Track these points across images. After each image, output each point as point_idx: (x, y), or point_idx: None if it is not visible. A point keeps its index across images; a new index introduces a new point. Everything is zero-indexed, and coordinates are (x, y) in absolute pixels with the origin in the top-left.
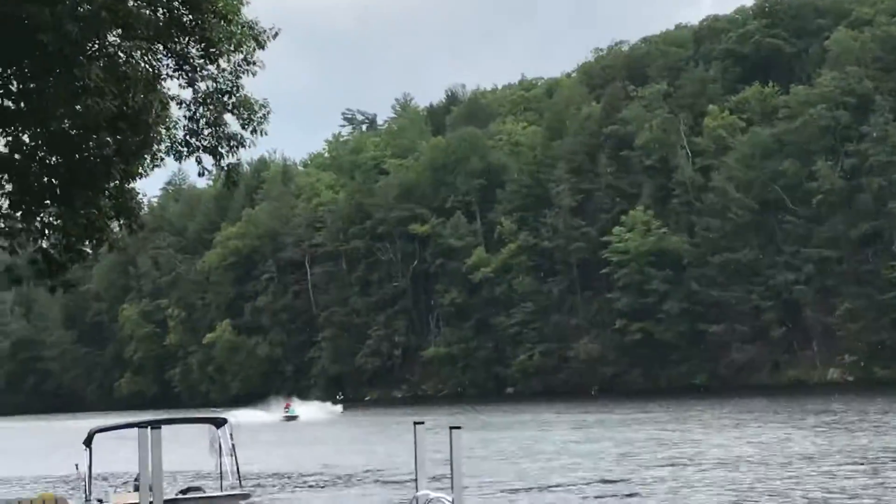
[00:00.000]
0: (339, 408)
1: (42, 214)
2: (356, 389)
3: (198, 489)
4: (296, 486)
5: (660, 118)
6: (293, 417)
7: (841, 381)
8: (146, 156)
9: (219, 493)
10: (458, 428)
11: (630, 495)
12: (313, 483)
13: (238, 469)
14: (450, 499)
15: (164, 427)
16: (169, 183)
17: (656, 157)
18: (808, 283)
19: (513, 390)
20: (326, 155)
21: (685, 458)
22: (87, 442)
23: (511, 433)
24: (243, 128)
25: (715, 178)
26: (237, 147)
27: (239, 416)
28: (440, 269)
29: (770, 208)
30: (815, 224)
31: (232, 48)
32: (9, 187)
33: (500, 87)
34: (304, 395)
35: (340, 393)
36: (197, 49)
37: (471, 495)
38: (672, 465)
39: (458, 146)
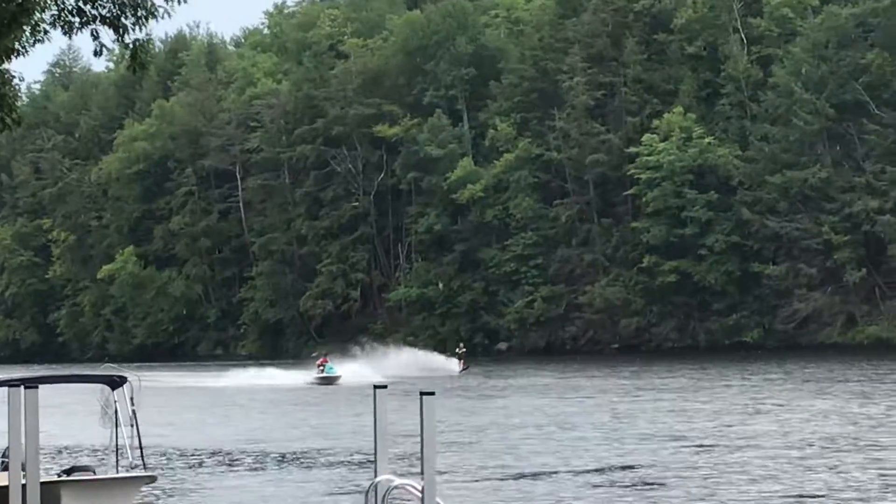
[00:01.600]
0: (454, 363)
1: None
2: (299, 341)
3: (86, 469)
4: (220, 467)
5: None
6: (331, 379)
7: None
8: (24, 27)
9: (112, 475)
10: (432, 394)
11: (645, 484)
12: (245, 463)
13: (140, 443)
14: (419, 486)
15: (42, 387)
16: (55, 65)
17: (700, 44)
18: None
19: (507, 346)
20: (266, 31)
21: (720, 435)
22: None
23: (502, 402)
24: None
25: (777, 72)
26: (146, 18)
27: (255, 377)
28: (414, 186)
29: (848, 113)
30: None
31: None
32: None
33: None
34: (231, 348)
35: (462, 343)
36: None
37: (446, 482)
38: (701, 445)
39: (440, 23)
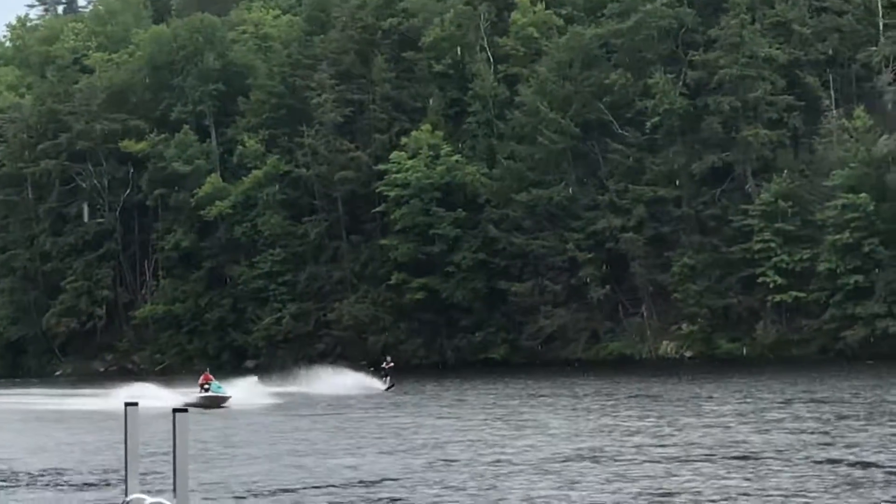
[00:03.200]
0: (378, 383)
1: None
2: (42, 359)
3: None
4: None
5: (454, 11)
6: (219, 400)
7: (676, 357)
8: None
9: None
10: (184, 411)
11: (388, 499)
12: None
13: None
14: None
15: None
16: None
17: (448, 62)
18: (638, 230)
19: (255, 364)
20: (8, 44)
21: (461, 449)
22: None
23: (250, 419)
24: None
25: (523, 91)
26: None
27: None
28: (161, 202)
29: (592, 132)
30: (649, 154)
31: None
32: None
33: None
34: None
35: (388, 358)
36: None
37: (200, 500)
38: (447, 460)
39: (187, 38)
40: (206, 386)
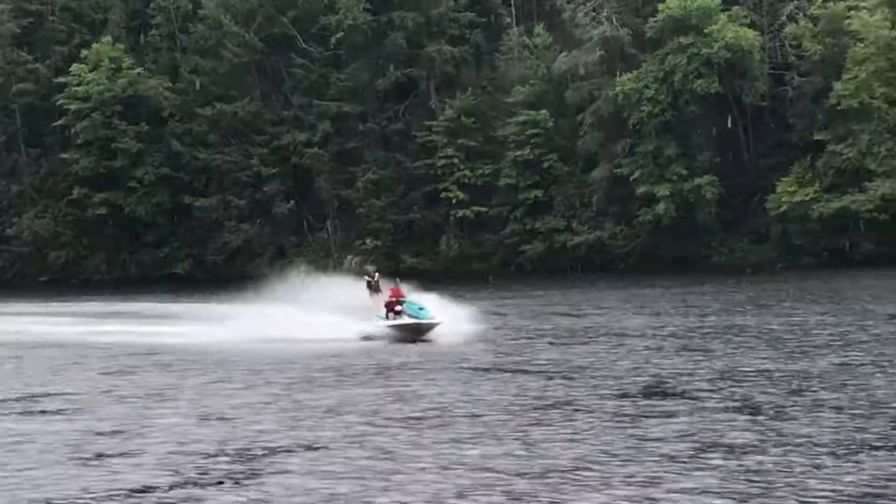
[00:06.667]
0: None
1: None
2: None
3: None
4: None
5: None
6: (421, 329)
7: (358, 271)
8: None
9: None
10: None
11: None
12: None
13: None
14: None
15: None
16: None
17: None
18: (323, 146)
19: None
20: None
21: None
22: None
23: None
24: None
25: (206, 4)
26: None
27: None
28: None
29: (277, 47)
30: (334, 69)
31: None
32: None
33: None
34: None
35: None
36: None
37: None
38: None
39: None
40: (399, 307)
